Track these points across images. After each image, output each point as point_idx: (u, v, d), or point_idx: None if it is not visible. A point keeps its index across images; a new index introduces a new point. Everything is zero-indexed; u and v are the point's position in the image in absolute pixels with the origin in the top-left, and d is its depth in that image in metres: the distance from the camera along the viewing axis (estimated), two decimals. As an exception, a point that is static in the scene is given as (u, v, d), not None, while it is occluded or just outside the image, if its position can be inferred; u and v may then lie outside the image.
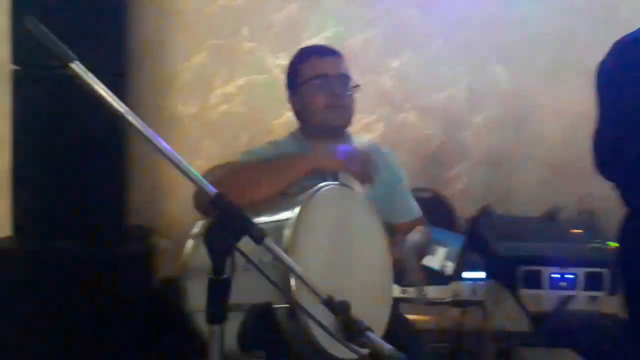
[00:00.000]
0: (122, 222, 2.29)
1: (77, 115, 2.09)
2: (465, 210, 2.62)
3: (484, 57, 2.99)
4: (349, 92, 1.38)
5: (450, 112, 2.99)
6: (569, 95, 2.93)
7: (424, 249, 1.43)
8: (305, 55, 1.44)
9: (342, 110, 1.36)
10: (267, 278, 0.76)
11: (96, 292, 2.07)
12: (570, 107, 2.91)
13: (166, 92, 2.91)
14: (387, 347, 0.77)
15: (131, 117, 0.70)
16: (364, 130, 2.97)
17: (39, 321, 2.04)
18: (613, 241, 2.22)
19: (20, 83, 2.13)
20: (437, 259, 2.12)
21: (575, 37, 2.97)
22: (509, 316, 2.52)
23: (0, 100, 2.31)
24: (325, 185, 0.99)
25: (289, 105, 2.99)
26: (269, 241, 0.74)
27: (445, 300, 2.06)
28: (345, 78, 1.40)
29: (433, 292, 2.07)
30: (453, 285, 2.08)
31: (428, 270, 2.14)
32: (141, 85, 2.77)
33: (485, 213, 2.45)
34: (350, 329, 0.79)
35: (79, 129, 2.12)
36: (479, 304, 2.13)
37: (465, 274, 2.10)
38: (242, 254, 0.73)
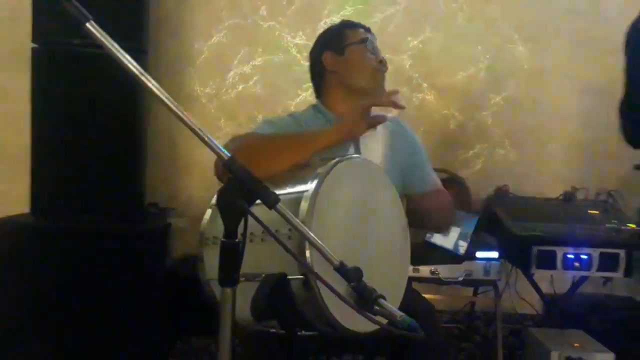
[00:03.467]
0: (139, 200, 2.33)
1: (96, 93, 2.13)
2: (482, 191, 2.61)
3: (505, 36, 2.94)
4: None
5: (469, 92, 2.96)
6: (591, 74, 2.87)
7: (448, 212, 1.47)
8: (348, 24, 1.52)
9: (383, 75, 1.44)
10: (281, 244, 0.79)
11: (114, 269, 2.10)
12: (593, 87, 2.86)
13: (185, 70, 2.93)
14: (399, 313, 0.79)
15: (145, 79, 0.72)
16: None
17: (57, 297, 2.08)
18: (632, 222, 2.20)
19: (40, 61, 2.15)
20: (451, 239, 2.13)
21: (601, 14, 2.89)
22: (521, 296, 2.53)
23: (21, 78, 2.37)
24: (345, 158, 1.00)
25: (305, 86, 2.99)
26: (281, 206, 0.76)
27: (459, 280, 2.08)
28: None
29: (446, 271, 2.08)
30: (466, 265, 2.08)
31: (441, 250, 2.16)
32: (160, 63, 2.80)
33: (500, 193, 2.44)
34: (363, 296, 0.81)
35: (98, 107, 2.14)
36: (491, 283, 2.13)
37: (479, 254, 2.10)
38: (254, 217, 0.75)
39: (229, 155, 0.77)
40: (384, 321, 0.80)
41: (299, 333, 0.99)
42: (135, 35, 2.21)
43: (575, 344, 2.13)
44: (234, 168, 0.75)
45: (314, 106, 1.45)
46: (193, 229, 2.86)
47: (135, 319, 2.11)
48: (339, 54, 1.42)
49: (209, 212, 1.09)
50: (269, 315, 0.91)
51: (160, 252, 2.30)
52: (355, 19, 2.82)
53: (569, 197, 2.43)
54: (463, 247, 2.08)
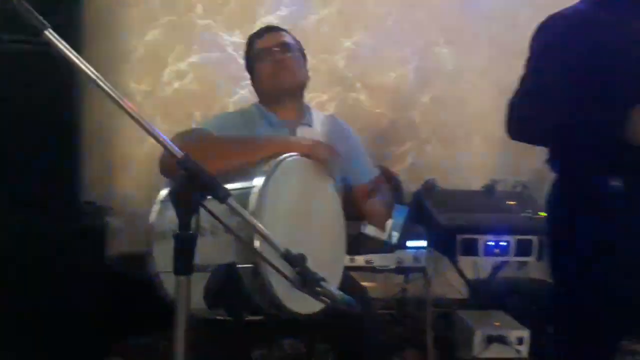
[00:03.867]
0: (74, 199, 2.29)
1: (28, 90, 2.06)
2: (412, 184, 2.78)
3: (431, 39, 3.14)
4: (292, 57, 1.50)
5: (399, 91, 3.13)
6: (508, 77, 3.11)
7: (391, 203, 1.58)
8: (251, 39, 1.60)
9: (286, 72, 1.48)
10: (231, 232, 0.86)
11: (49, 269, 2.06)
12: (509, 87, 3.10)
13: (120, 68, 2.89)
14: (339, 293, 0.89)
15: (101, 83, 0.77)
16: (320, 107, 3.08)
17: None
18: (542, 211, 2.44)
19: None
20: (384, 229, 2.27)
21: (516, 21, 3.15)
22: (448, 282, 2.73)
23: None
24: (289, 155, 1.08)
25: (243, 83, 3.04)
26: (232, 200, 0.83)
27: (390, 268, 2.22)
28: (287, 46, 1.52)
29: (378, 260, 2.22)
30: (397, 254, 2.23)
31: (375, 240, 2.29)
32: (94, 61, 2.73)
33: (428, 186, 2.61)
34: (306, 279, 0.90)
35: (30, 104, 2.08)
36: (421, 270, 2.29)
37: (409, 243, 2.25)
38: (208, 210, 0.82)
39: (182, 153, 0.82)
40: (327, 300, 0.90)
41: (246, 319, 1.07)
42: (69, 32, 2.16)
43: (496, 323, 2.35)
44: (188, 165, 0.81)
45: (256, 106, 1.51)
46: (129, 227, 2.84)
47: (73, 319, 2.08)
48: (250, 74, 1.58)
49: (156, 207, 1.14)
50: (220, 302, 0.98)
51: (97, 251, 2.28)
52: (290, 20, 2.94)
53: (489, 189, 2.65)
54: (395, 237, 2.21)
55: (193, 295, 1.04)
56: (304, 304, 1.04)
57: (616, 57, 1.17)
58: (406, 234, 2.25)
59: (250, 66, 1.57)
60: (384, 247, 2.19)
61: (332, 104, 3.09)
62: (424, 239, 2.29)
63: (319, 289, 0.92)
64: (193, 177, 0.82)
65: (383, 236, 2.21)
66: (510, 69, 3.05)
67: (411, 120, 3.12)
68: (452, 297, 2.82)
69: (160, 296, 1.11)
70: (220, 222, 0.85)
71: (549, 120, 1.19)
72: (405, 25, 3.10)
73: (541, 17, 3.07)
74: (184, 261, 0.84)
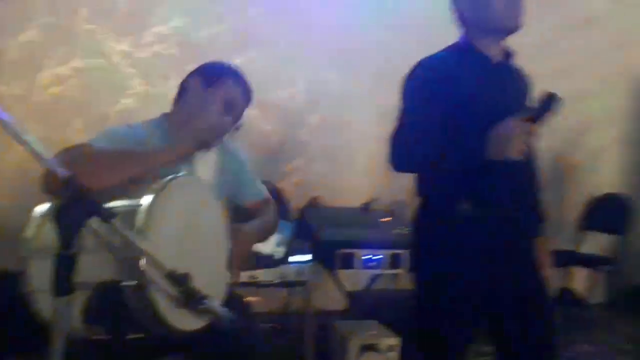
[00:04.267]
0: None
1: None
2: (299, 200, 2.90)
3: (320, 62, 3.31)
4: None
5: (289, 110, 3.26)
6: (387, 102, 3.38)
7: (266, 231, 1.58)
8: (233, 75, 1.53)
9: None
10: (116, 250, 0.88)
11: None
12: (390, 112, 3.38)
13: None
14: (222, 309, 0.95)
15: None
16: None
17: None
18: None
19: None
20: (269, 245, 2.35)
21: (394, 51, 3.44)
22: (328, 294, 2.88)
23: None
24: (177, 175, 1.11)
25: (127, 93, 2.95)
26: (116, 221, 0.85)
27: (274, 282, 2.30)
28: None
29: (263, 275, 2.29)
30: (281, 269, 2.32)
31: (260, 255, 2.36)
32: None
33: (312, 204, 2.76)
34: (190, 298, 0.94)
35: None
36: (303, 284, 2.41)
37: (293, 258, 2.36)
38: (95, 231, 0.83)
39: (67, 173, 0.83)
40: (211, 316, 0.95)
41: (126, 337, 1.08)
42: None
43: (370, 333, 2.53)
44: (73, 187, 0.82)
45: (155, 120, 1.49)
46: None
47: None
48: (203, 87, 1.44)
49: (34, 222, 1.10)
50: (101, 320, 0.99)
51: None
52: (182, 32, 2.93)
53: (367, 207, 2.86)
54: (279, 252, 2.31)
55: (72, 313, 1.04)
56: (187, 321, 1.08)
57: (469, 96, 1.38)
58: (290, 249, 2.36)
59: (206, 88, 1.46)
60: (269, 262, 2.27)
61: (222, 118, 3.13)
62: (307, 254, 2.41)
63: (201, 307, 0.97)
64: (78, 198, 0.83)
65: (265, 251, 2.30)
66: (390, 95, 3.38)
67: (300, 139, 3.25)
68: (332, 308, 2.98)
69: (35, 315, 1.07)
70: (105, 241, 0.86)
71: (419, 152, 1.35)
72: (296, 47, 3.24)
73: (414, 49, 3.41)
74: (63, 281, 0.84)
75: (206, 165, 1.41)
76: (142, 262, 0.98)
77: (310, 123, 3.31)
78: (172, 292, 0.99)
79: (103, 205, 0.84)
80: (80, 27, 2.83)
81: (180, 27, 3.01)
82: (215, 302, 1.01)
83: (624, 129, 4.20)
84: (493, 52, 1.45)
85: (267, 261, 2.25)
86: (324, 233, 2.43)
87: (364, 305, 2.73)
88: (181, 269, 0.98)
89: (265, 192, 1.63)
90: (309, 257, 2.43)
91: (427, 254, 1.48)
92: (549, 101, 1.23)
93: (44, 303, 1.06)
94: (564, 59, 3.86)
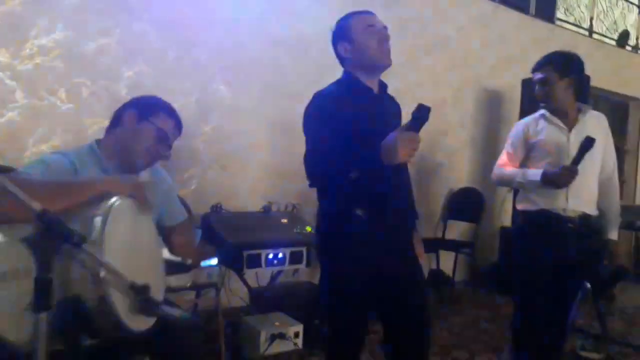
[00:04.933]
0: None
1: None
2: (199, 208, 3.02)
3: (210, 76, 3.45)
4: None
5: (183, 120, 3.33)
6: (275, 113, 3.65)
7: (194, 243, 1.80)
8: (165, 110, 1.63)
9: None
10: (85, 266, 1.01)
11: None
12: (277, 122, 3.64)
13: None
14: (178, 311, 1.12)
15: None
16: (98, 134, 3.06)
17: None
18: (309, 226, 2.98)
19: None
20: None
21: (281, 66, 3.71)
22: (235, 293, 3.07)
23: None
24: (118, 199, 1.24)
25: (10, 106, 2.85)
26: (87, 245, 0.99)
27: (187, 286, 2.44)
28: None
29: (175, 280, 2.41)
30: (192, 273, 2.46)
31: (171, 262, 2.48)
32: None
33: (215, 210, 2.91)
34: (149, 304, 1.11)
35: None
36: (213, 285, 2.57)
37: (203, 262, 2.51)
38: (92, 256, 0.96)
39: (40, 207, 0.95)
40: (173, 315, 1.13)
41: (84, 344, 1.20)
42: None
43: (277, 323, 2.78)
44: (46, 219, 0.94)
45: (90, 146, 1.57)
46: None
47: None
48: (138, 120, 1.55)
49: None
50: (64, 331, 1.11)
51: None
52: (65, 45, 2.90)
53: (266, 210, 3.09)
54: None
55: (21, 332, 1.14)
56: (138, 323, 1.23)
57: (358, 119, 1.67)
58: (201, 254, 2.50)
59: (142, 119, 1.58)
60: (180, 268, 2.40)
61: (115, 131, 3.12)
62: (215, 257, 2.58)
63: (158, 312, 1.14)
64: (52, 228, 0.95)
65: (178, 259, 2.42)
66: (276, 106, 3.64)
67: (195, 148, 3.37)
68: (238, 305, 3.16)
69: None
70: (92, 259, 1.00)
71: (323, 170, 1.60)
72: (185, 61, 3.35)
73: (300, 65, 3.73)
74: (43, 299, 0.96)
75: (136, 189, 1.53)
76: (102, 274, 1.12)
77: (204, 132, 3.44)
78: (130, 301, 1.15)
79: (75, 232, 0.97)
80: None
81: (62, 40, 2.96)
82: (168, 307, 1.18)
83: (473, 132, 4.95)
84: (372, 84, 1.76)
85: (179, 267, 2.37)
86: (230, 236, 2.61)
87: (268, 300, 2.96)
88: (133, 279, 1.14)
89: (186, 213, 1.79)
90: (216, 260, 2.60)
91: (329, 251, 1.75)
92: (423, 112, 1.48)
93: (3, 324, 1.14)
94: (423, 74, 4.46)
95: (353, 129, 1.63)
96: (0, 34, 2.77)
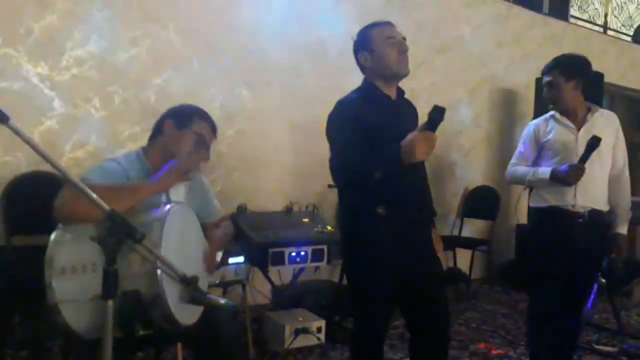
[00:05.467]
0: None
1: None
2: (225, 208, 3.15)
3: (234, 81, 3.61)
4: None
5: (208, 125, 3.50)
6: (296, 116, 3.79)
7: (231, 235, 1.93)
8: (201, 114, 1.79)
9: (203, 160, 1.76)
10: (150, 262, 1.16)
11: None
12: (297, 125, 3.78)
13: None
14: (223, 300, 1.26)
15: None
16: (130, 139, 3.24)
17: None
18: (329, 225, 3.11)
19: None
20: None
21: (301, 71, 3.85)
22: (259, 291, 3.21)
23: None
24: (173, 205, 1.40)
25: (49, 114, 3.03)
26: (147, 241, 1.14)
27: (216, 283, 2.59)
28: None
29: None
30: (221, 270, 2.61)
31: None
32: None
33: (241, 210, 3.06)
34: (197, 293, 1.25)
35: None
36: (240, 282, 2.72)
37: (230, 260, 2.66)
38: (148, 250, 1.11)
39: (108, 208, 1.10)
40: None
41: (139, 333, 1.35)
42: None
43: (300, 319, 2.91)
44: (114, 217, 1.09)
45: (137, 154, 1.70)
46: None
47: None
48: (177, 128, 1.69)
49: (53, 243, 1.32)
50: (126, 322, 1.25)
51: None
52: (99, 55, 3.08)
53: (288, 210, 3.23)
54: (219, 256, 2.59)
55: (81, 319, 1.30)
56: (187, 317, 1.38)
57: (377, 124, 1.79)
58: (227, 252, 2.65)
59: (181, 128, 1.72)
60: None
61: (144, 135, 3.26)
62: (242, 255, 2.72)
63: (207, 301, 1.29)
64: (117, 226, 1.10)
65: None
66: (296, 110, 3.77)
67: (219, 151, 3.52)
68: (262, 303, 3.31)
69: (59, 323, 1.29)
70: (151, 255, 1.15)
71: (347, 170, 1.73)
72: (209, 68, 3.50)
73: (319, 69, 3.84)
74: (110, 288, 1.11)
75: (179, 190, 1.68)
76: (159, 272, 1.27)
77: (228, 136, 3.59)
78: (180, 292, 1.29)
79: (137, 229, 1.12)
80: (-3, 52, 2.85)
81: (96, 51, 3.13)
82: (213, 296, 1.32)
83: (488, 131, 5.04)
84: (390, 91, 1.88)
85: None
86: (256, 235, 2.76)
87: (291, 296, 3.10)
88: (184, 272, 1.29)
89: (222, 211, 1.93)
90: (242, 258, 2.74)
91: (354, 246, 1.87)
92: (438, 112, 1.59)
93: (66, 313, 1.29)
94: (438, 75, 4.56)
95: (374, 133, 1.75)
96: (40, 47, 2.95)
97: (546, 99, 2.43)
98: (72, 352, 1.48)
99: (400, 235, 1.79)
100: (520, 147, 2.53)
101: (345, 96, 1.88)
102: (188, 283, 1.25)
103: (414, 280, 1.83)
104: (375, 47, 1.85)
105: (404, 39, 1.88)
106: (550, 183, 2.33)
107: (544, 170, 2.35)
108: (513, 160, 2.55)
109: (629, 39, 6.53)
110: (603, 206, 2.37)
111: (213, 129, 1.79)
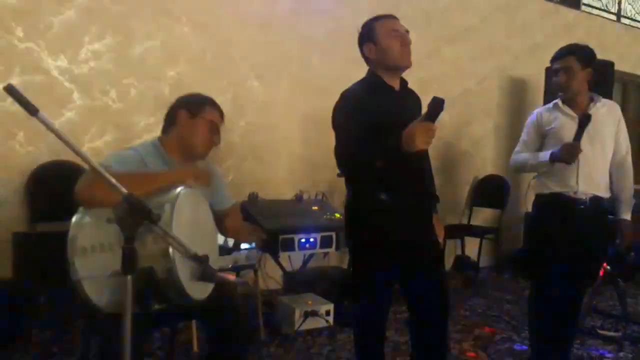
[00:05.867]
0: None
1: None
2: (237, 196, 3.26)
3: (244, 73, 3.70)
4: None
5: (219, 116, 3.61)
6: (305, 107, 3.87)
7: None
8: (210, 102, 1.87)
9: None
10: (168, 242, 1.26)
11: None
12: (307, 115, 3.86)
13: None
14: (232, 278, 1.36)
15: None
16: (145, 130, 3.36)
17: None
18: (337, 213, 3.20)
19: None
20: (221, 236, 2.73)
21: (310, 62, 3.92)
22: (271, 275, 3.33)
23: None
24: (182, 189, 1.49)
25: (69, 106, 3.15)
26: (161, 222, 1.24)
27: (228, 267, 2.70)
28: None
29: (219, 261, 2.67)
30: (233, 255, 2.72)
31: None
32: None
33: (252, 198, 3.16)
34: (208, 271, 1.36)
35: None
36: (252, 267, 2.83)
37: (242, 246, 2.76)
38: (162, 230, 1.21)
39: (126, 191, 1.20)
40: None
41: (154, 307, 1.46)
42: None
43: (309, 302, 3.02)
44: (131, 200, 1.19)
45: (153, 143, 1.79)
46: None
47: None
48: (191, 118, 1.78)
49: (75, 224, 1.43)
50: (148, 298, 1.36)
51: None
52: (116, 48, 3.18)
53: (299, 198, 3.33)
54: (231, 241, 2.70)
55: (101, 295, 1.40)
56: (198, 292, 1.49)
57: (381, 114, 1.87)
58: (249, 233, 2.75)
59: (195, 115, 1.81)
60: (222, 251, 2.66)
61: (160, 126, 3.39)
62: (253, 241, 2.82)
63: (216, 278, 1.39)
64: (134, 208, 1.20)
65: (220, 241, 2.68)
66: (306, 101, 3.86)
67: (231, 141, 3.62)
68: (273, 288, 3.42)
69: (82, 298, 1.41)
70: (164, 234, 1.25)
71: (352, 158, 1.81)
72: (221, 60, 3.60)
73: (328, 60, 3.90)
74: (129, 264, 1.21)
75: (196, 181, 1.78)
76: (170, 250, 1.37)
77: (239, 127, 3.70)
78: (192, 270, 1.40)
79: (152, 211, 1.22)
80: (16, 46, 2.97)
81: (113, 44, 3.25)
82: (223, 274, 1.43)
83: (498, 120, 5.07)
84: (394, 83, 1.95)
85: (221, 250, 2.63)
86: (267, 222, 2.86)
87: (301, 281, 3.21)
88: (195, 251, 1.39)
89: (232, 200, 2.03)
90: (254, 244, 2.85)
91: (358, 230, 1.96)
92: (437, 104, 1.65)
93: (89, 290, 1.41)
94: (447, 64, 4.60)
95: (377, 123, 1.82)
96: (59, 40, 3.07)
97: (557, 85, 2.44)
98: (96, 327, 1.58)
99: (401, 219, 1.87)
100: (523, 136, 2.59)
101: (350, 87, 1.95)
102: (200, 260, 1.35)
103: (414, 261, 1.91)
104: (380, 39, 1.92)
105: (407, 32, 1.95)
106: (553, 169, 2.39)
107: (544, 154, 2.40)
108: (517, 149, 2.60)
109: (644, 27, 6.46)
110: (604, 193, 2.42)
111: (221, 114, 1.89)
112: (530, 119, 2.57)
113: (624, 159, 2.48)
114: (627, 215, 2.47)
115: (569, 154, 2.30)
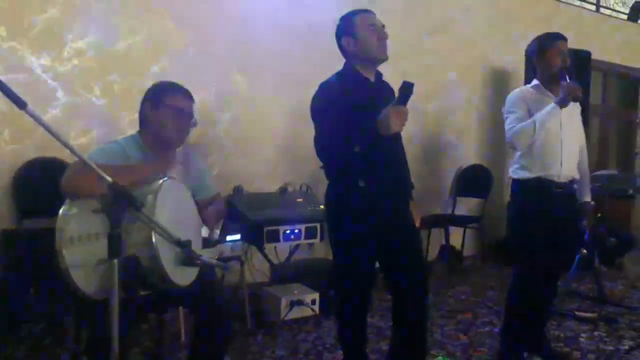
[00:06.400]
0: None
1: None
2: (222, 190, 3.31)
3: (228, 67, 3.73)
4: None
5: (204, 111, 3.63)
6: (289, 100, 3.91)
7: (223, 212, 2.09)
8: (172, 89, 1.88)
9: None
10: (153, 228, 1.32)
11: None
12: (290, 109, 3.91)
13: None
14: (214, 261, 1.42)
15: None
16: (130, 126, 3.39)
17: None
18: (322, 205, 3.26)
19: None
20: (206, 229, 2.78)
21: (292, 56, 3.96)
22: (258, 268, 3.38)
23: None
24: (165, 179, 1.55)
25: (54, 104, 3.17)
26: (145, 209, 1.29)
27: (215, 259, 2.75)
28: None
29: (204, 253, 2.73)
30: (218, 247, 2.77)
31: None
32: None
33: (237, 191, 3.21)
34: (191, 255, 1.41)
35: None
36: (237, 258, 2.88)
37: (228, 238, 2.82)
38: (147, 218, 1.27)
39: (110, 179, 1.25)
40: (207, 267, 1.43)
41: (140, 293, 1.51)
42: None
43: (295, 292, 3.09)
44: (115, 187, 1.25)
45: (134, 137, 1.85)
46: None
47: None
48: (153, 109, 1.82)
49: (63, 215, 1.48)
50: (133, 283, 1.42)
51: None
52: (97, 46, 3.20)
53: (283, 190, 3.38)
54: (216, 234, 2.75)
55: (89, 282, 1.45)
56: (182, 278, 1.54)
57: (357, 105, 1.93)
58: (224, 231, 2.81)
59: (156, 105, 1.83)
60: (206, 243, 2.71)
61: (144, 122, 3.44)
62: (238, 233, 2.89)
63: (199, 262, 1.45)
64: (119, 196, 1.26)
65: (205, 234, 2.73)
66: (289, 94, 3.90)
67: (216, 135, 3.66)
68: (260, 281, 3.48)
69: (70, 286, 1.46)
70: (153, 222, 1.31)
71: (329, 146, 1.88)
72: (204, 55, 3.63)
73: (310, 54, 3.94)
74: (115, 248, 1.27)
75: (173, 170, 1.83)
76: (154, 237, 1.42)
77: (224, 121, 3.74)
78: (176, 255, 1.45)
79: (136, 199, 1.27)
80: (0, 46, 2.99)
81: (95, 41, 3.27)
82: (206, 258, 1.48)
83: (481, 110, 5.15)
84: (369, 74, 2.02)
85: (205, 242, 2.68)
86: (252, 215, 2.92)
87: (287, 273, 3.27)
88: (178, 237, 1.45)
89: (216, 189, 2.09)
90: (239, 236, 2.91)
91: (338, 216, 2.03)
92: (407, 87, 1.74)
93: (77, 278, 1.46)
94: (429, 55, 4.66)
95: (353, 112, 1.89)
96: (43, 39, 3.09)
97: (566, 65, 2.40)
98: (85, 314, 1.63)
99: (380, 205, 1.95)
100: (514, 113, 2.44)
101: (327, 79, 2.02)
102: (182, 245, 1.41)
103: (392, 245, 1.99)
104: (358, 32, 1.99)
105: (383, 26, 2.02)
106: (536, 153, 2.39)
107: (547, 108, 2.33)
108: (510, 125, 2.44)
109: (625, 17, 6.58)
110: (577, 175, 2.52)
111: (188, 95, 1.88)
112: (515, 97, 2.49)
113: (584, 143, 2.59)
114: (589, 198, 2.59)
115: (574, 93, 2.27)
